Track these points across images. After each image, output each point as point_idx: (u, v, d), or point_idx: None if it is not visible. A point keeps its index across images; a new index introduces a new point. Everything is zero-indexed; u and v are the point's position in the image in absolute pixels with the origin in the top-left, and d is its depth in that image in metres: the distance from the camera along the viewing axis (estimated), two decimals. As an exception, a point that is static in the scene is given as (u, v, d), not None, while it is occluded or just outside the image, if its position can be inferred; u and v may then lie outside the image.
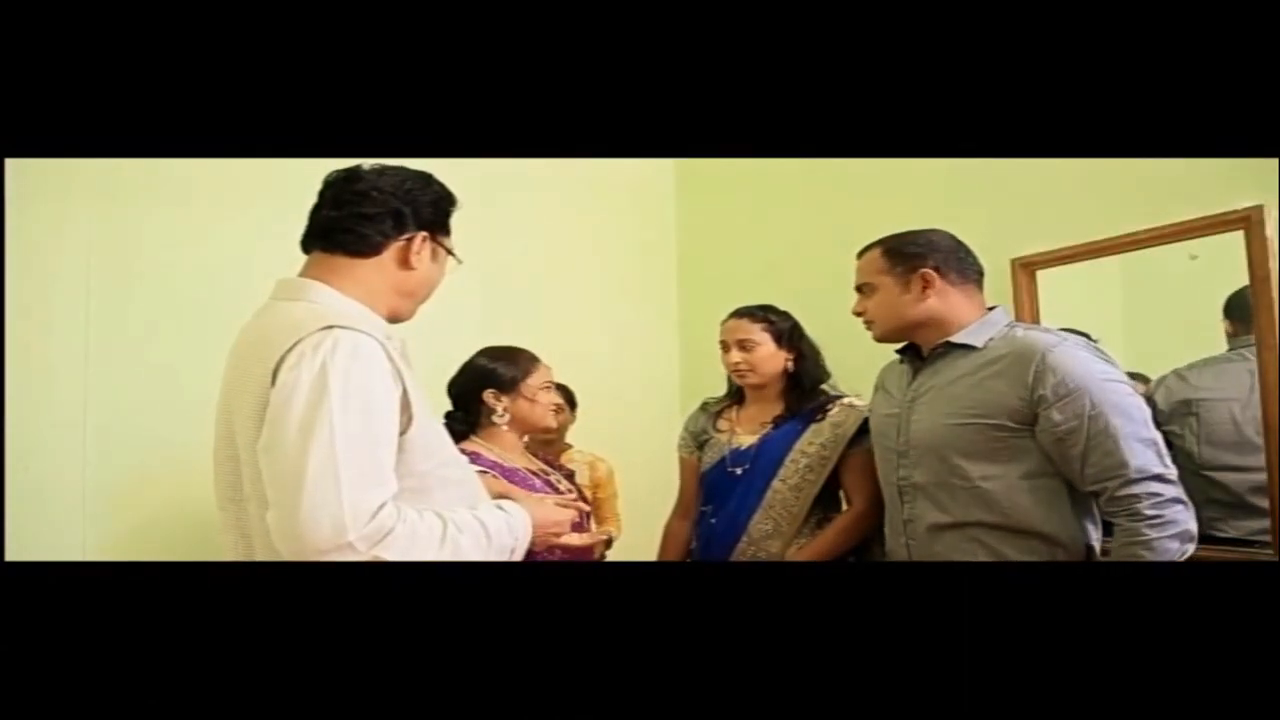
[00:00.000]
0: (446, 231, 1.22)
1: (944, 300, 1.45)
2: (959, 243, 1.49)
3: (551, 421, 1.83)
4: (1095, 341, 1.41)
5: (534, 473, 1.75)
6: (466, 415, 1.79)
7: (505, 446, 1.76)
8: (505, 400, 1.76)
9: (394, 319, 1.19)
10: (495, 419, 1.76)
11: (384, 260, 1.14)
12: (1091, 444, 1.27)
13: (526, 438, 1.84)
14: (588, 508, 1.86)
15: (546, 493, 1.61)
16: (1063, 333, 1.39)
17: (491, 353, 1.82)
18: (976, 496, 1.37)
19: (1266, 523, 1.47)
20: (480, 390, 1.77)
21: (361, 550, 0.93)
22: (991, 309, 1.48)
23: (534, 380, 1.78)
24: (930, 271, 1.44)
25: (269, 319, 1.09)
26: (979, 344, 1.41)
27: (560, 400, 1.86)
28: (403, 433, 1.04)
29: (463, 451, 1.74)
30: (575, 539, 1.52)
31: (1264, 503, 1.48)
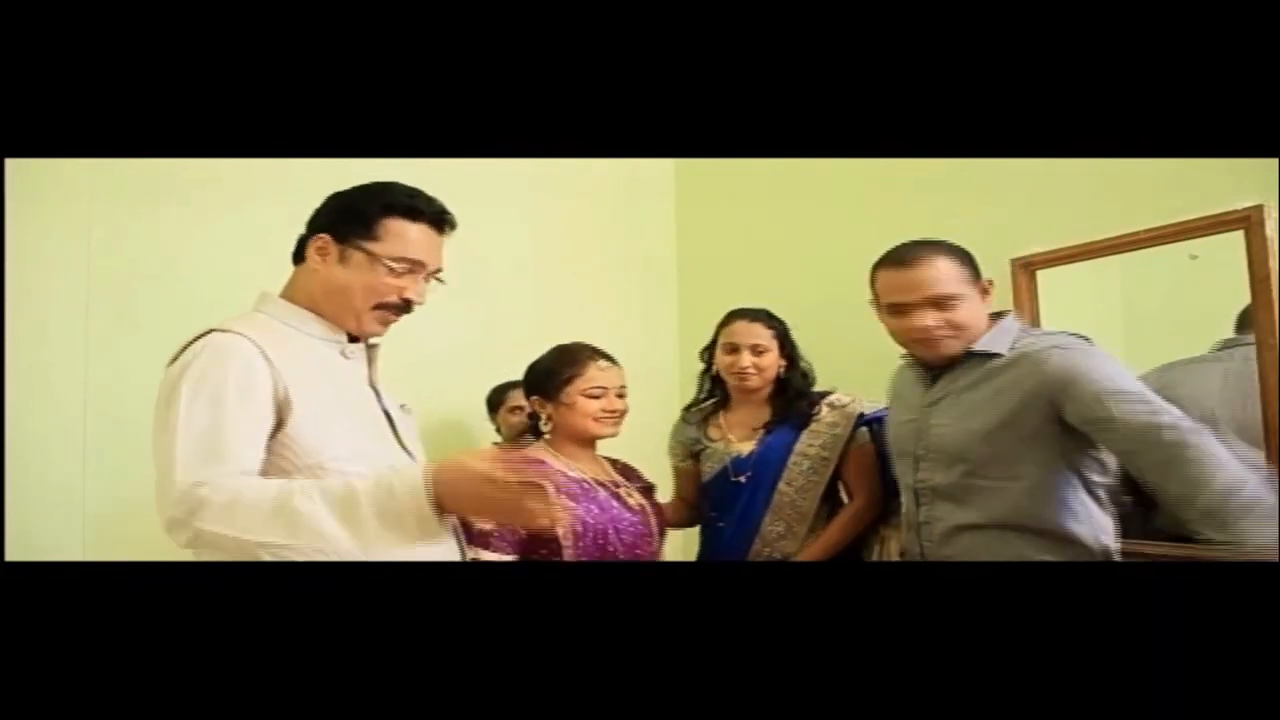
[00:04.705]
0: (365, 234, 1.17)
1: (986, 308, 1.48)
2: None
3: (598, 431, 1.61)
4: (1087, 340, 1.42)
5: (601, 483, 1.60)
6: (534, 420, 1.66)
7: (572, 455, 1.60)
8: (549, 407, 1.61)
9: (343, 325, 1.20)
10: (543, 427, 1.62)
11: (306, 264, 1.20)
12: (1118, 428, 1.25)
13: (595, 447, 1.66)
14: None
15: (611, 505, 1.54)
16: (1073, 337, 1.39)
17: (551, 352, 1.65)
18: (999, 498, 1.38)
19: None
20: (529, 395, 1.65)
21: (188, 522, 0.98)
22: (1003, 314, 1.48)
23: (578, 384, 1.58)
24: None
25: None
26: (1004, 351, 1.42)
27: (621, 406, 1.62)
28: (281, 427, 1.08)
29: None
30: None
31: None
